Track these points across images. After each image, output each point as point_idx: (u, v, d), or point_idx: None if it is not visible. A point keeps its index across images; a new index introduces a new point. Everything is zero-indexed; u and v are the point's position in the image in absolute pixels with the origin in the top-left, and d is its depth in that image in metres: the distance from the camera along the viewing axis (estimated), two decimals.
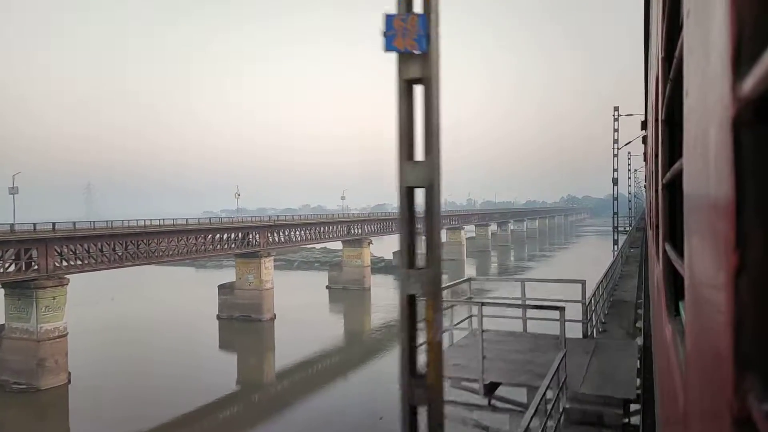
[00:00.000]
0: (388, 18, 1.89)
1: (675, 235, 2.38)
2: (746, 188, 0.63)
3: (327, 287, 67.58)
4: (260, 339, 45.50)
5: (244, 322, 48.63)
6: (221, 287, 52.22)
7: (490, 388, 8.40)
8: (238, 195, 79.44)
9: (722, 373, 0.69)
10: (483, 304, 8.89)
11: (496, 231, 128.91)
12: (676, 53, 1.75)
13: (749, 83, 0.59)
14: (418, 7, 1.84)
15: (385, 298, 58.82)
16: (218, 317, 50.39)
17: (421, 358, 1.58)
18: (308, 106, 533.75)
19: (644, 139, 14.17)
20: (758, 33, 0.61)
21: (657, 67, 3.18)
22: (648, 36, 7.09)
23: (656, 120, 3.37)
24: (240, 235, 51.96)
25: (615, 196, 40.63)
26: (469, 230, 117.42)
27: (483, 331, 8.28)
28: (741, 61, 0.63)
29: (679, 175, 1.62)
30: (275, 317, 50.16)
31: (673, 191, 2.57)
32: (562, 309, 8.28)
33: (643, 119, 14.98)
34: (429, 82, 1.80)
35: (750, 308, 0.63)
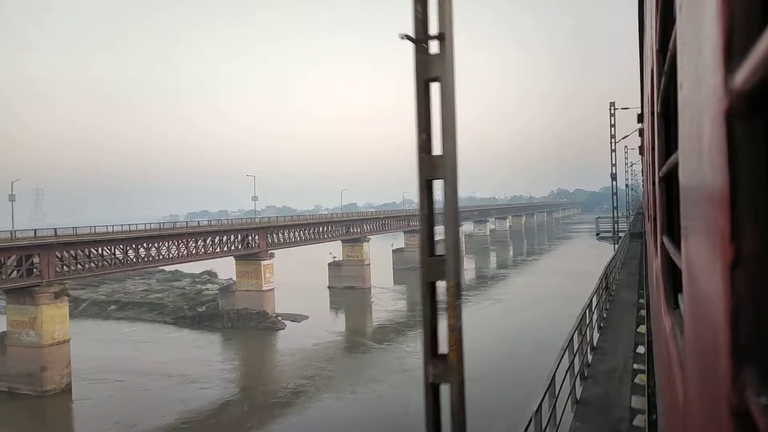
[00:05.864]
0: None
1: (673, 227, 2.39)
2: (740, 180, 0.63)
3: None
4: None
5: None
6: None
7: None
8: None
9: (720, 365, 0.70)
10: None
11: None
12: (670, 46, 1.75)
13: (741, 75, 0.59)
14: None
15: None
16: None
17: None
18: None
19: (641, 132, 14.15)
20: (749, 25, 0.61)
21: (652, 60, 3.18)
22: (642, 29, 7.08)
23: (652, 113, 3.37)
24: None
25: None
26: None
27: None
28: (733, 53, 0.63)
29: (675, 167, 1.62)
30: None
31: (669, 184, 2.56)
32: None
33: (639, 112, 14.95)
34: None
35: (746, 300, 0.63)
